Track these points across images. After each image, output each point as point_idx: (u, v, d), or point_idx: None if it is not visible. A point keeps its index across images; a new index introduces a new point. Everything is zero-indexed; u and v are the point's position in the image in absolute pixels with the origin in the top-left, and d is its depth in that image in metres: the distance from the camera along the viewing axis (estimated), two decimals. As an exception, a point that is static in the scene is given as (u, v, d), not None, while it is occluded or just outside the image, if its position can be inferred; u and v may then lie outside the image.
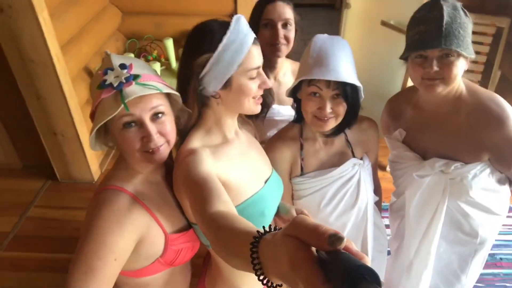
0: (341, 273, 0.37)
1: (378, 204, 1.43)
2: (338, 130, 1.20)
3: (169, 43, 2.55)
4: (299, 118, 1.23)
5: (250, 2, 2.50)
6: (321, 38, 1.13)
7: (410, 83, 1.53)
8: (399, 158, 1.36)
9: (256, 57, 0.95)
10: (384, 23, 2.26)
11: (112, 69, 0.88)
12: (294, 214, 1.11)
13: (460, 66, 1.11)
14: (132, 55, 2.39)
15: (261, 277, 0.48)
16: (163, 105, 0.92)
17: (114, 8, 2.64)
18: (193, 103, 0.98)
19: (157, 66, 2.28)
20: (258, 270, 0.48)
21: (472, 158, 1.21)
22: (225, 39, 0.92)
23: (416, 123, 1.31)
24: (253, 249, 0.49)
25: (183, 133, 1.03)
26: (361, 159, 1.28)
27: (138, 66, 0.92)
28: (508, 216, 2.26)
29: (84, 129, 2.35)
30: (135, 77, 0.88)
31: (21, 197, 2.54)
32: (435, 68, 1.10)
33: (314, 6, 5.33)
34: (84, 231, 0.87)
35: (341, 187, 1.24)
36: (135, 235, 0.91)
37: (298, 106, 1.20)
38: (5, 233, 2.29)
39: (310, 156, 1.25)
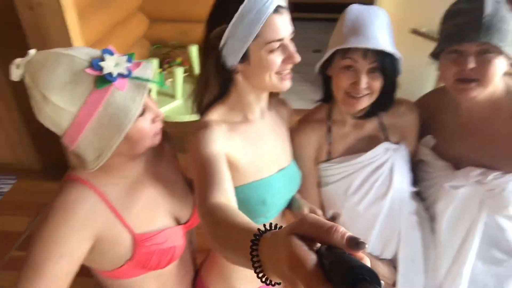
0: (340, 273, 0.37)
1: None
2: (372, 112, 1.10)
3: (194, 50, 2.54)
4: (327, 97, 1.15)
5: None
6: (357, 7, 1.05)
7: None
8: (428, 168, 1.24)
9: (278, 28, 0.88)
10: (415, 31, 2.18)
11: (100, 60, 0.76)
12: (306, 211, 1.03)
13: (500, 66, 1.00)
14: (156, 60, 2.39)
15: (260, 275, 0.48)
16: None
17: (141, 14, 2.67)
18: (213, 76, 0.94)
19: (180, 71, 2.27)
20: (258, 268, 0.48)
21: None
22: (240, 9, 0.86)
23: (448, 129, 1.20)
24: (253, 247, 0.49)
25: (206, 107, 0.99)
26: (397, 144, 1.16)
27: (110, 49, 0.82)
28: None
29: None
30: (131, 55, 0.80)
31: (38, 197, 2.57)
32: (471, 64, 0.99)
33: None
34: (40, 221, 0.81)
35: (371, 174, 1.13)
36: (89, 232, 0.83)
37: (326, 85, 1.12)
38: (19, 233, 2.29)
39: (338, 140, 1.16)
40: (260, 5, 0.85)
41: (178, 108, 2.27)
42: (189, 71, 2.65)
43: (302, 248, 0.41)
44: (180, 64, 2.65)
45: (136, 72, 0.78)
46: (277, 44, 0.89)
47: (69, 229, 0.80)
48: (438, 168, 1.21)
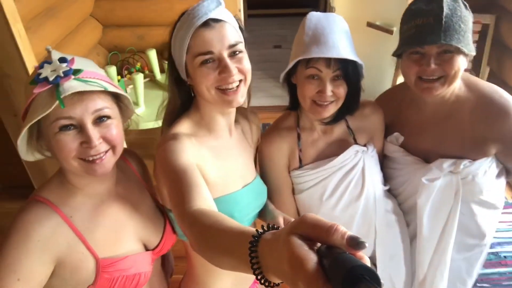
0: (341, 273, 0.37)
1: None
2: (339, 116, 1.12)
3: (152, 54, 2.48)
4: (294, 105, 1.15)
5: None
6: (316, 15, 1.05)
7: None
8: (397, 164, 1.27)
9: (206, 41, 0.87)
10: (370, 25, 2.24)
11: (49, 63, 0.78)
12: (281, 221, 1.03)
13: (461, 64, 1.03)
14: (114, 68, 2.32)
15: (259, 277, 0.48)
16: (109, 108, 0.82)
17: (94, 21, 2.57)
18: (172, 88, 0.97)
19: (140, 78, 2.21)
20: (257, 269, 0.48)
21: (480, 154, 1.14)
22: (177, 25, 0.89)
23: (413, 124, 1.23)
24: (252, 248, 0.48)
25: (172, 118, 0.99)
26: (365, 146, 1.19)
27: (82, 62, 0.82)
28: (508, 213, 2.23)
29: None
30: (76, 71, 0.78)
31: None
32: (433, 66, 1.02)
33: (299, 15, 5.33)
34: None
35: (344, 177, 1.15)
36: (50, 255, 0.80)
37: (292, 92, 1.12)
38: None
39: (309, 146, 1.17)
40: (190, 20, 0.86)
41: (142, 116, 2.22)
42: (149, 76, 2.59)
43: (302, 248, 0.41)
44: (140, 70, 2.58)
45: (66, 84, 0.76)
46: (206, 57, 0.88)
47: (27, 251, 0.77)
48: (408, 164, 1.23)
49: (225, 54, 0.89)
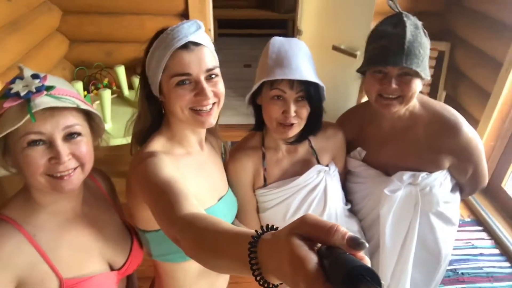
0: (341, 273, 0.37)
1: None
2: (302, 136, 1.15)
3: (121, 71, 2.46)
4: (259, 125, 1.18)
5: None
6: (279, 40, 1.10)
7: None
8: (359, 178, 1.32)
9: (184, 63, 0.89)
10: (335, 48, 2.33)
11: (22, 79, 0.77)
12: None
13: (417, 86, 1.12)
14: (80, 83, 2.27)
15: (258, 278, 0.48)
16: (80, 125, 0.82)
17: (60, 35, 2.53)
18: (143, 105, 0.97)
19: (107, 94, 2.17)
20: (256, 270, 0.48)
21: (435, 167, 1.22)
22: (155, 43, 0.90)
23: (374, 140, 1.30)
24: (252, 249, 0.48)
25: (143, 136, 0.98)
26: (327, 166, 1.23)
27: (55, 80, 0.81)
28: (464, 231, 2.33)
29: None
30: (48, 88, 0.78)
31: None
32: (394, 85, 1.09)
33: (269, 35, 5.45)
34: None
35: (306, 196, 1.18)
36: (11, 275, 0.78)
37: (257, 113, 1.15)
38: None
39: (273, 165, 1.19)
40: (169, 41, 0.88)
41: (109, 132, 2.17)
42: (117, 92, 2.56)
43: (302, 248, 0.41)
44: (107, 86, 2.54)
45: (38, 100, 0.75)
46: (182, 78, 0.90)
47: None
48: (370, 177, 1.29)
49: (202, 77, 0.91)
